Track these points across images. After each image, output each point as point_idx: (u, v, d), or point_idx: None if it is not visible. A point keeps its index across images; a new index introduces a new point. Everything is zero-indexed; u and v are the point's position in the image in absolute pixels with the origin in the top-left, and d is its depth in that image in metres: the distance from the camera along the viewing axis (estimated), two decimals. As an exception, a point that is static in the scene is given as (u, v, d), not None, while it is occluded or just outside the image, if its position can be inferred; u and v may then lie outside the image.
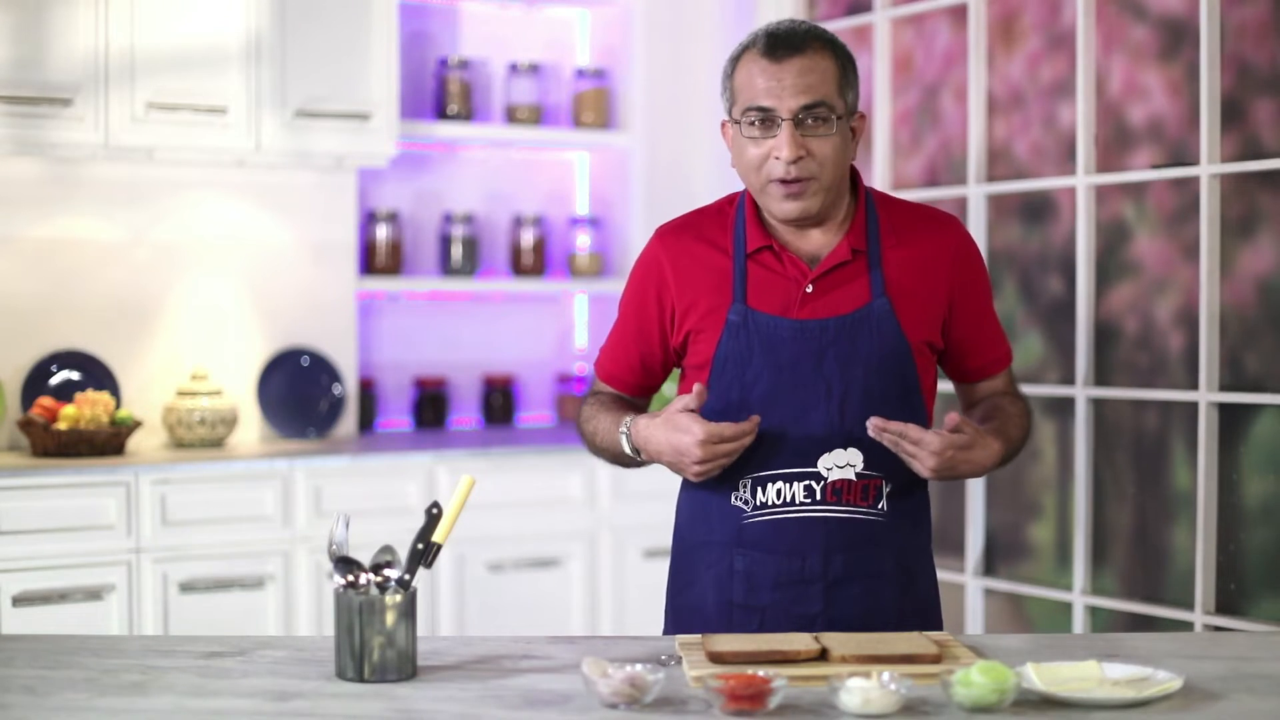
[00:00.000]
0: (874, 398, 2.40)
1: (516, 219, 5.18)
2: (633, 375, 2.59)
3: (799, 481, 2.39)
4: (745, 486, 2.42)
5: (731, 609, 2.44)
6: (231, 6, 4.43)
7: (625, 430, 2.45)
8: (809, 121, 2.37)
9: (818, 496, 2.39)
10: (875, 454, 2.38)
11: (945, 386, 2.65)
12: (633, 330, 2.56)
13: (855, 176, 2.51)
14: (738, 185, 2.56)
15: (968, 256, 2.51)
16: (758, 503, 2.41)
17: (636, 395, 2.63)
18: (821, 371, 2.40)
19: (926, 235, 2.48)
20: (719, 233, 2.49)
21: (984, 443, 2.37)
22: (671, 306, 2.50)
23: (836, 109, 2.38)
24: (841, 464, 2.38)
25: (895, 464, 2.39)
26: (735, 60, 2.44)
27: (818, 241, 2.46)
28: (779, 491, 2.40)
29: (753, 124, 2.38)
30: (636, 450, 2.44)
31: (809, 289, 2.42)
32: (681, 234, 2.52)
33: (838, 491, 2.39)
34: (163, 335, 4.61)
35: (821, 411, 2.39)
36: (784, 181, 2.38)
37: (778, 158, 2.37)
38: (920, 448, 2.31)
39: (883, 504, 2.41)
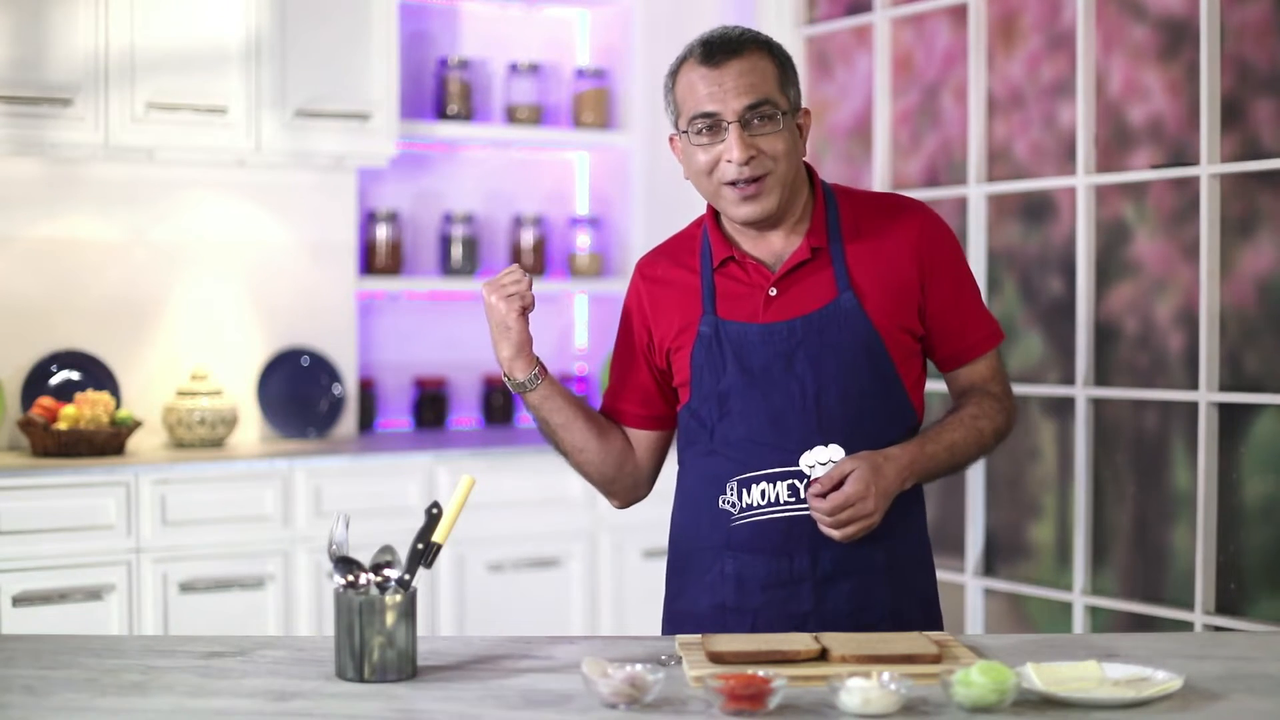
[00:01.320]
0: (850, 392, 2.40)
1: (516, 219, 5.18)
2: (638, 405, 2.56)
3: (782, 481, 2.39)
4: (731, 490, 2.42)
5: (725, 612, 2.44)
6: (231, 6, 4.43)
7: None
8: (755, 122, 2.37)
9: (801, 495, 2.38)
10: (857, 447, 2.38)
11: (940, 386, 2.63)
12: (628, 361, 2.57)
13: (812, 174, 2.51)
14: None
15: (934, 238, 2.48)
16: (743, 505, 2.41)
17: (645, 428, 2.58)
18: (794, 371, 2.40)
19: (888, 223, 2.47)
20: (689, 255, 2.52)
21: (880, 471, 2.34)
22: (651, 332, 2.52)
23: (780, 105, 2.39)
24: (823, 460, 2.37)
25: None
26: (674, 74, 2.45)
27: (778, 245, 2.47)
28: (763, 493, 2.40)
29: (700, 131, 2.39)
30: (508, 378, 2.56)
31: (772, 292, 2.43)
32: (656, 263, 2.56)
33: None
34: (163, 335, 4.61)
35: (797, 411, 2.39)
36: (737, 184, 2.38)
37: (729, 160, 2.37)
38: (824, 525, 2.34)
39: None
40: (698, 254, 2.50)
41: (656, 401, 2.56)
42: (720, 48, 2.39)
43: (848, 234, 2.45)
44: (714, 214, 2.51)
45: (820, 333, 2.40)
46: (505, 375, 2.53)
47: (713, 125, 2.38)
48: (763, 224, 2.44)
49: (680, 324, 2.48)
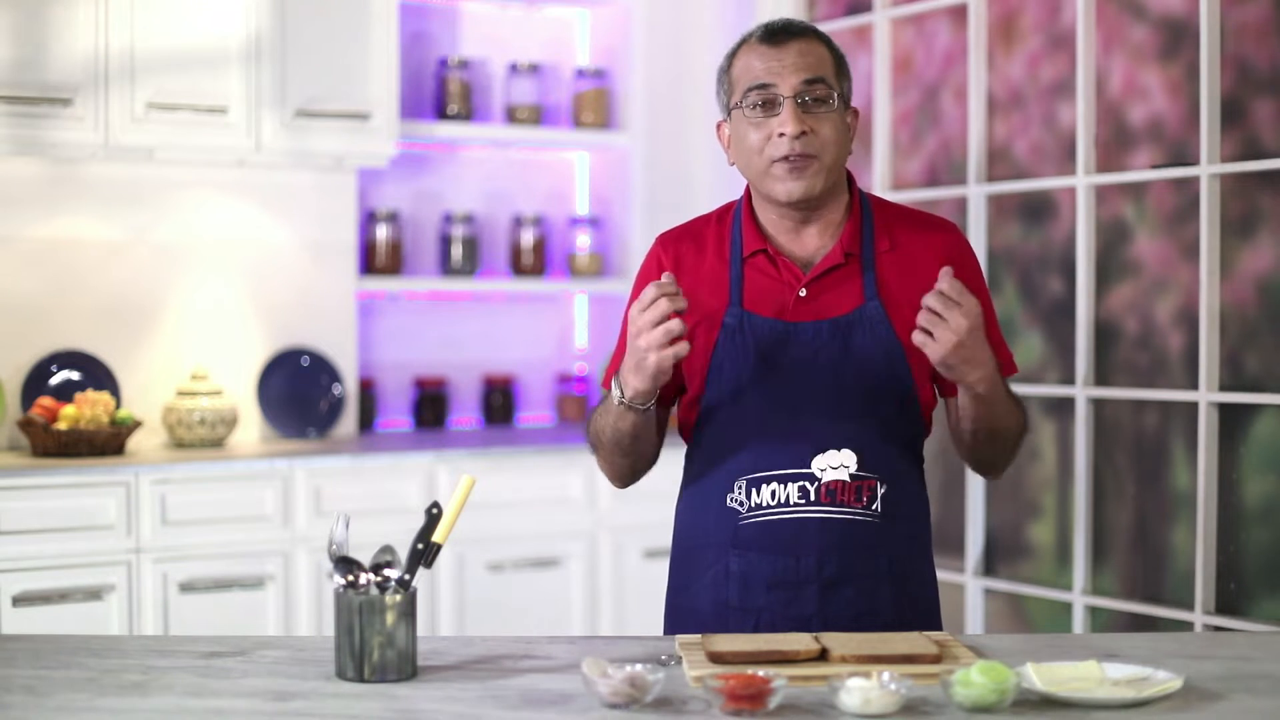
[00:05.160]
0: (868, 399, 2.40)
1: (516, 219, 5.18)
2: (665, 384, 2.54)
3: (793, 483, 2.39)
4: (740, 488, 2.42)
5: (728, 610, 2.44)
6: (231, 6, 4.43)
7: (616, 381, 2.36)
8: (809, 100, 2.39)
9: (812, 498, 2.38)
10: (869, 455, 2.38)
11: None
12: None
13: (850, 179, 2.52)
14: (738, 183, 2.56)
15: (959, 262, 2.48)
16: (752, 504, 2.41)
17: (663, 405, 2.53)
18: (815, 373, 2.40)
19: (921, 238, 2.48)
20: (716, 239, 2.51)
21: (978, 335, 2.28)
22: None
23: (835, 89, 2.41)
24: (835, 465, 2.37)
25: (890, 465, 2.40)
26: (732, 55, 2.47)
27: (812, 245, 2.47)
28: (773, 493, 2.40)
29: (755, 106, 2.40)
30: (622, 391, 2.33)
31: (802, 293, 2.43)
32: (681, 240, 2.53)
33: (831, 492, 2.39)
34: (163, 335, 4.61)
35: (815, 413, 2.39)
36: (787, 160, 2.38)
37: (781, 134, 2.37)
38: (944, 323, 2.23)
39: (877, 505, 2.40)
40: (726, 240, 2.49)
41: (677, 378, 2.51)
42: (782, 29, 2.43)
43: (880, 243, 2.46)
44: (749, 204, 2.50)
45: (846, 337, 2.40)
46: (620, 397, 2.35)
47: (767, 101, 2.39)
48: (803, 210, 2.43)
49: (704, 310, 2.45)
